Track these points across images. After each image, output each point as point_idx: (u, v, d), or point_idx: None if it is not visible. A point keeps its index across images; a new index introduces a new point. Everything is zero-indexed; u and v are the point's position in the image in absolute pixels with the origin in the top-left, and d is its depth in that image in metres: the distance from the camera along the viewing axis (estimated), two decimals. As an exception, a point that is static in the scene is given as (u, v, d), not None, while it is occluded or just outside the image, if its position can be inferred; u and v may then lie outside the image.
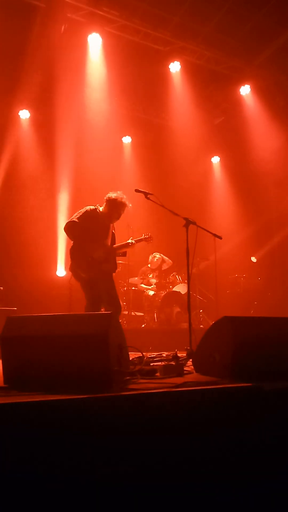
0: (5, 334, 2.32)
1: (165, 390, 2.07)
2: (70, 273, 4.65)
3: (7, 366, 2.30)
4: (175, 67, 8.32)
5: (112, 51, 7.73)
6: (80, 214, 4.57)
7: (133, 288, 7.89)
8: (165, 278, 8.07)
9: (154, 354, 3.69)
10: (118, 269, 7.80)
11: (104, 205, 4.72)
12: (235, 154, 10.18)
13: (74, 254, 4.53)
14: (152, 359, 3.16)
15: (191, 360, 3.11)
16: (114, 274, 4.89)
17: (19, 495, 1.63)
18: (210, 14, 7.41)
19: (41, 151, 8.83)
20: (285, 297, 9.38)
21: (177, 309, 7.50)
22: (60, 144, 8.70)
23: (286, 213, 9.74)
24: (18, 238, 8.11)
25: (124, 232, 6.69)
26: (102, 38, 7.50)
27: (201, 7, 7.22)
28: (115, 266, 4.81)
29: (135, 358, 2.78)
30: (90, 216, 4.57)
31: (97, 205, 4.73)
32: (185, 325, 6.54)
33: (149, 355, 3.50)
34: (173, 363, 2.76)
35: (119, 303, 4.76)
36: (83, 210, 4.62)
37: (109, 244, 4.74)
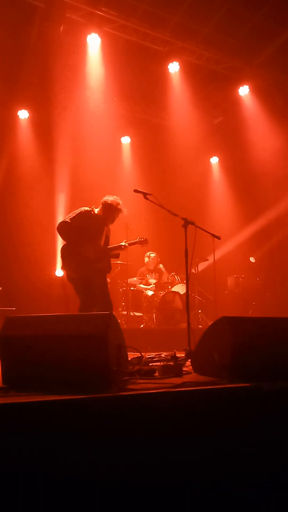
0: (3, 334, 2.31)
1: (164, 390, 2.07)
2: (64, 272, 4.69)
3: (6, 366, 2.29)
4: (174, 67, 8.30)
5: (111, 51, 7.72)
6: (74, 214, 4.61)
7: (132, 288, 7.89)
8: (164, 278, 8.08)
9: (153, 354, 3.68)
10: (117, 270, 7.84)
11: (99, 207, 4.74)
12: (234, 154, 10.18)
13: (64, 254, 4.57)
14: (151, 359, 3.16)
15: (189, 360, 3.10)
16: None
17: (19, 496, 1.62)
18: (210, 14, 7.40)
19: (40, 151, 8.83)
20: (284, 297, 9.39)
21: (176, 309, 7.50)
22: (59, 144, 8.70)
23: (285, 213, 9.74)
24: (16, 238, 8.11)
25: (123, 232, 6.70)
26: (101, 38, 7.49)
27: (201, 7, 7.21)
28: (109, 266, 4.81)
29: (134, 358, 2.78)
30: (83, 217, 4.60)
31: (92, 207, 4.75)
32: (184, 325, 6.53)
33: (148, 355, 3.50)
34: (172, 363, 2.76)
35: (111, 302, 4.76)
36: (77, 211, 4.67)
37: (102, 245, 4.75)
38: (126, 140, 10.21)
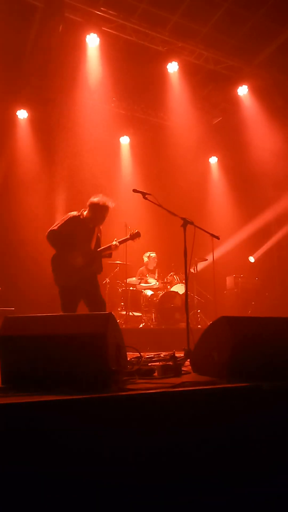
0: (3, 334, 2.31)
1: (163, 390, 2.06)
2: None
3: (5, 366, 2.29)
4: (173, 67, 8.31)
5: (110, 51, 7.72)
6: (62, 221, 4.59)
7: (131, 288, 7.89)
8: (163, 278, 8.09)
9: (152, 354, 3.69)
10: (116, 269, 7.84)
11: (87, 210, 4.72)
12: (233, 154, 10.19)
13: (54, 264, 4.55)
14: (150, 359, 3.17)
15: (189, 360, 3.10)
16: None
17: (18, 496, 1.62)
18: (209, 13, 7.41)
19: (39, 151, 8.83)
20: (283, 297, 9.40)
21: (175, 309, 7.50)
22: (58, 144, 8.71)
23: (284, 213, 9.76)
24: (15, 238, 8.10)
25: (122, 232, 6.70)
26: (100, 38, 7.50)
27: (200, 7, 7.22)
28: (99, 268, 4.78)
29: (133, 358, 2.78)
30: (72, 223, 4.58)
31: (81, 210, 4.72)
32: (183, 325, 6.55)
33: (147, 355, 3.50)
34: (171, 363, 2.76)
35: (103, 301, 4.72)
36: (65, 217, 4.65)
37: (93, 248, 4.74)
38: (125, 140, 10.21)
